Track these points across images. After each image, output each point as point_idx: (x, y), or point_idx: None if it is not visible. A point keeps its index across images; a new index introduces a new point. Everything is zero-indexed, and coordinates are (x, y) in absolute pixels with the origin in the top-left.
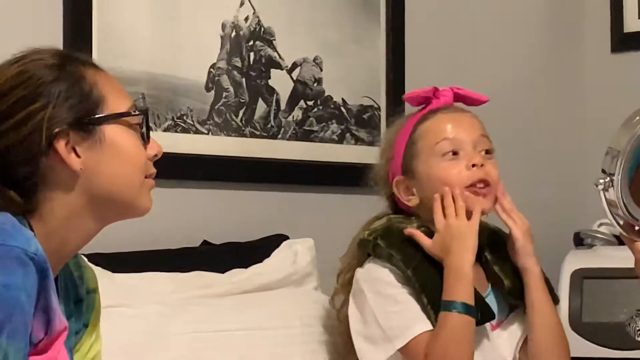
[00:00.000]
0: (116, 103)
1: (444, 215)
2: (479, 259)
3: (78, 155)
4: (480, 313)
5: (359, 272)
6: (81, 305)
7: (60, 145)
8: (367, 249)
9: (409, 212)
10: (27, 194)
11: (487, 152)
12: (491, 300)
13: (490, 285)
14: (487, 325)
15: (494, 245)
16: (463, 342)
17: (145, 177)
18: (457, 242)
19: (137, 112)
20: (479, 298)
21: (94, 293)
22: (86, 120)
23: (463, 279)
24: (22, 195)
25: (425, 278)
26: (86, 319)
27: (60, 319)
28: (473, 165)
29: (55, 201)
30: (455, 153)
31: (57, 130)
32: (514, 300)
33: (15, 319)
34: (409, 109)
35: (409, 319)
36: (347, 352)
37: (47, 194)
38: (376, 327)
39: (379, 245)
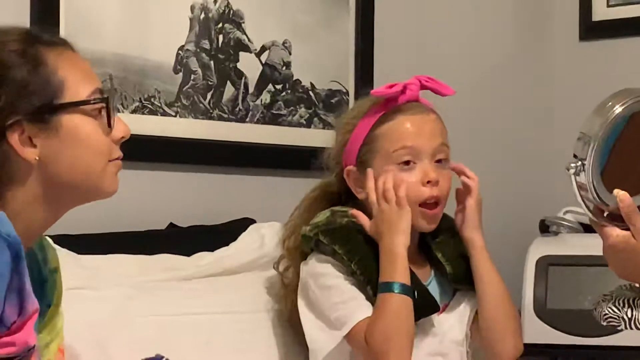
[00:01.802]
0: (76, 89)
1: (377, 197)
2: (422, 245)
3: (34, 145)
4: (424, 305)
5: (304, 268)
6: (45, 286)
7: (14, 137)
8: (309, 245)
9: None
10: None
11: (441, 161)
12: (434, 287)
13: (433, 271)
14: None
15: (438, 231)
16: (402, 322)
17: (110, 161)
18: (389, 226)
19: (96, 100)
20: (422, 290)
21: (56, 272)
22: (42, 111)
23: (397, 259)
24: None
25: (369, 270)
26: (49, 299)
27: (32, 301)
28: (428, 182)
29: (15, 188)
30: (411, 162)
31: (10, 122)
32: (458, 285)
33: None
34: None
35: (353, 306)
36: (291, 317)
37: (5, 180)
38: (324, 319)
39: (321, 242)
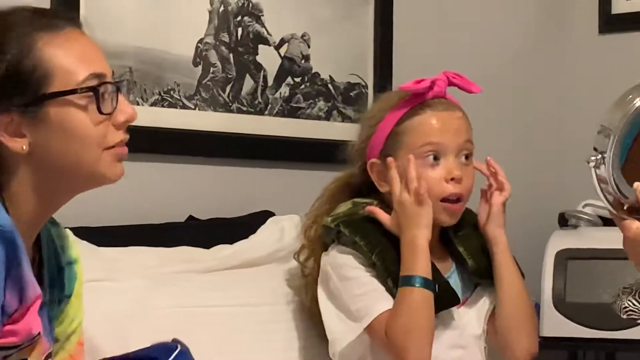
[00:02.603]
0: (67, 77)
1: (400, 191)
2: (443, 238)
3: (24, 135)
4: (445, 298)
5: (325, 259)
6: (62, 274)
7: (0, 128)
8: (330, 236)
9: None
10: None
11: (467, 157)
12: (455, 280)
13: (454, 264)
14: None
15: (460, 224)
16: (422, 316)
17: (108, 148)
18: (410, 219)
19: (83, 89)
20: (443, 282)
21: (76, 264)
22: (28, 102)
23: (418, 253)
24: None
25: (390, 262)
26: (69, 290)
27: (34, 288)
28: (452, 179)
29: (9, 177)
30: (436, 158)
31: None
32: (479, 279)
33: None
34: (396, 87)
35: (373, 298)
36: (311, 308)
37: (3, 168)
38: (344, 310)
39: (342, 233)
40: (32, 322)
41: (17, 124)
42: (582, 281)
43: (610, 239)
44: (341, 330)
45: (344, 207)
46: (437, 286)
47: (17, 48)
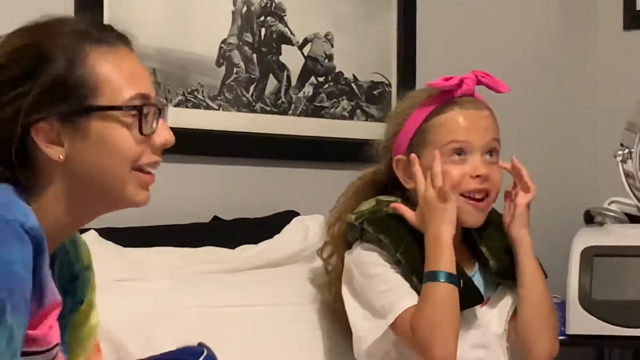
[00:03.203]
0: (114, 93)
1: (425, 187)
2: (467, 238)
3: (62, 144)
4: (469, 296)
5: (348, 257)
6: (76, 283)
7: (39, 134)
8: (354, 233)
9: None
10: (16, 169)
11: (493, 154)
12: (478, 279)
13: (477, 264)
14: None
15: (484, 224)
16: (448, 311)
17: (139, 169)
18: (434, 215)
19: (128, 107)
20: (467, 280)
21: (89, 270)
22: (72, 112)
23: (442, 248)
24: (11, 171)
25: (415, 258)
26: (81, 296)
27: (54, 294)
28: (477, 176)
29: (43, 184)
30: (462, 154)
31: (37, 117)
32: (501, 279)
33: (17, 294)
34: (420, 86)
35: (398, 294)
36: (335, 305)
37: (34, 173)
38: (369, 307)
39: (366, 231)
40: (50, 330)
41: (57, 132)
42: (608, 278)
43: (636, 236)
44: (366, 328)
45: (367, 205)
46: (461, 281)
47: (69, 57)
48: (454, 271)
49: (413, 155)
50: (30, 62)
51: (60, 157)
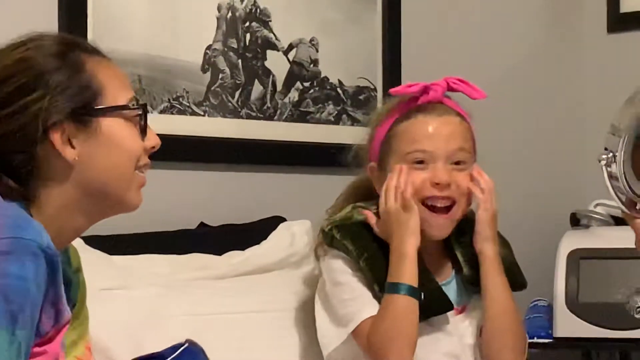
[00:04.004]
0: (115, 95)
1: (385, 198)
2: (446, 244)
3: (73, 146)
4: (436, 303)
5: (322, 264)
6: (70, 286)
7: (55, 136)
8: (327, 240)
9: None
10: (23, 182)
11: (459, 163)
12: (452, 287)
13: (454, 271)
14: (452, 311)
15: (462, 231)
16: (405, 324)
17: (138, 169)
18: (398, 226)
19: (134, 106)
20: (436, 288)
21: (80, 272)
22: (83, 112)
23: (405, 260)
24: (18, 183)
25: (377, 268)
26: (74, 299)
27: (67, 313)
28: (437, 184)
29: (50, 190)
30: (422, 162)
31: (52, 121)
32: (473, 287)
33: (26, 310)
34: None
35: (360, 304)
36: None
37: (42, 182)
38: (334, 315)
39: (334, 237)
40: (58, 344)
41: (68, 134)
42: (594, 281)
43: (622, 238)
44: (330, 335)
45: (343, 212)
46: (422, 294)
47: (70, 64)
48: (415, 284)
49: (397, 168)
50: (34, 71)
51: (75, 158)
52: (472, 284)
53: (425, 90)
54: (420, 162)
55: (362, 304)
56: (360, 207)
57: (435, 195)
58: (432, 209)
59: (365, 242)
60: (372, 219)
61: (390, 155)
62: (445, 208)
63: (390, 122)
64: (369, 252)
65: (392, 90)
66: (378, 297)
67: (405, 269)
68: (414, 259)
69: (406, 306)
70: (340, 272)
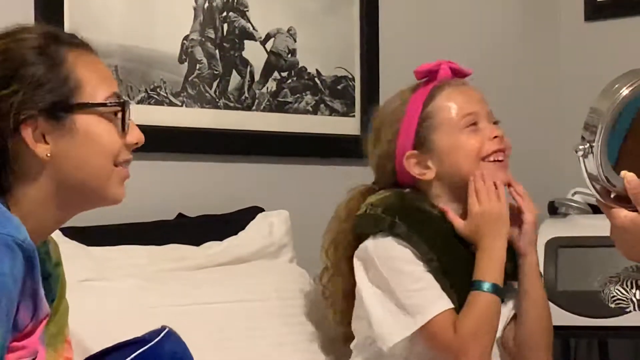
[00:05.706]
0: (93, 91)
1: (478, 200)
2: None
3: (47, 142)
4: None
5: (370, 247)
6: (49, 280)
7: (27, 132)
8: (381, 226)
9: (414, 187)
10: (0, 174)
11: (496, 122)
12: None
13: None
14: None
15: None
16: (492, 321)
17: (118, 165)
18: (492, 227)
19: (112, 103)
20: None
21: (59, 266)
22: (58, 109)
23: (497, 261)
24: None
25: (449, 260)
26: (54, 294)
27: (44, 307)
28: (495, 137)
29: (27, 185)
30: (475, 124)
31: (24, 116)
32: (509, 280)
33: (2, 305)
34: (383, 79)
35: (430, 296)
36: (339, 324)
37: (18, 177)
38: (395, 303)
39: (398, 224)
40: (37, 340)
41: (42, 131)
42: (573, 269)
43: (600, 227)
44: (390, 325)
45: (391, 198)
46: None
47: (49, 57)
48: (501, 284)
49: (478, 172)
50: (12, 64)
51: (47, 155)
52: (509, 277)
53: (437, 69)
54: (474, 124)
55: (433, 297)
56: (411, 197)
57: (500, 148)
58: (493, 162)
59: (433, 232)
60: (454, 217)
61: (435, 132)
62: (502, 160)
63: (419, 107)
64: (438, 242)
65: (416, 69)
66: (447, 290)
67: (496, 269)
68: (503, 261)
69: (494, 304)
70: (404, 261)
